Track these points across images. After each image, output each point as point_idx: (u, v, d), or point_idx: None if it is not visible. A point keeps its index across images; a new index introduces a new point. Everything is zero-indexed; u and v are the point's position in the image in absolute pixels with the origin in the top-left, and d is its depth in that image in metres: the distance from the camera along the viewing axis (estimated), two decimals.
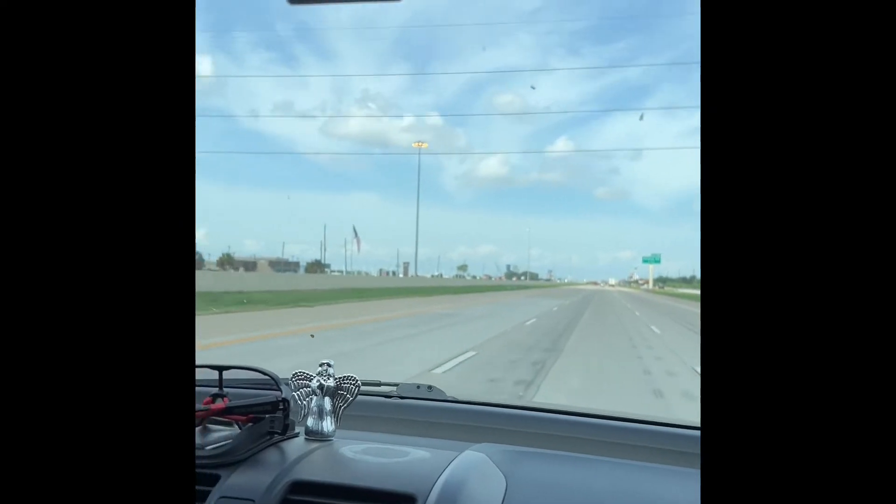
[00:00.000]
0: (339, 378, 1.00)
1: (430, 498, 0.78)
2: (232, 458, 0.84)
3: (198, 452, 0.84)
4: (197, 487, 0.81)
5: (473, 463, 0.89)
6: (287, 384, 0.98)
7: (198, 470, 0.82)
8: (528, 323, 14.30)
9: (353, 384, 0.99)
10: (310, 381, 1.00)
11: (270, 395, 0.91)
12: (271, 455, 0.88)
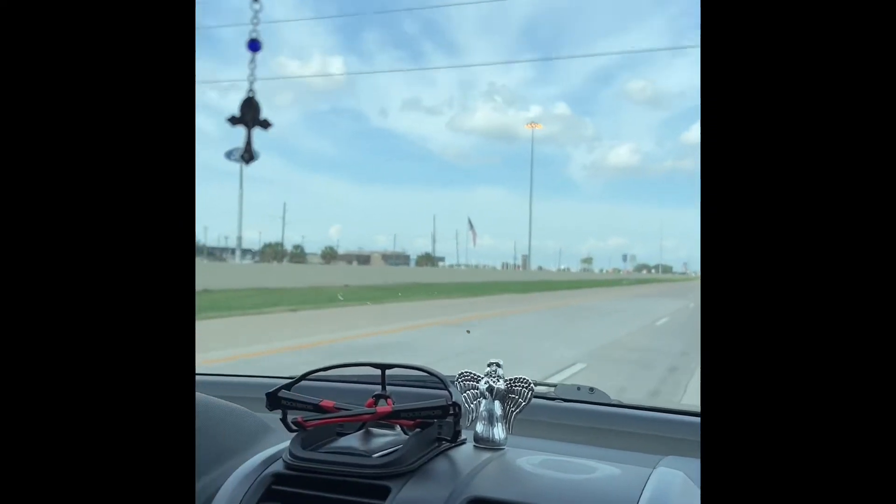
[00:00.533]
0: (510, 380, 0.89)
1: None
2: (401, 468, 0.75)
3: (364, 460, 0.76)
4: (365, 500, 0.73)
5: (673, 483, 0.76)
6: (454, 385, 0.89)
7: (366, 480, 0.74)
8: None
9: (526, 387, 0.89)
10: (478, 382, 0.90)
11: (438, 397, 0.82)
12: (442, 465, 0.79)
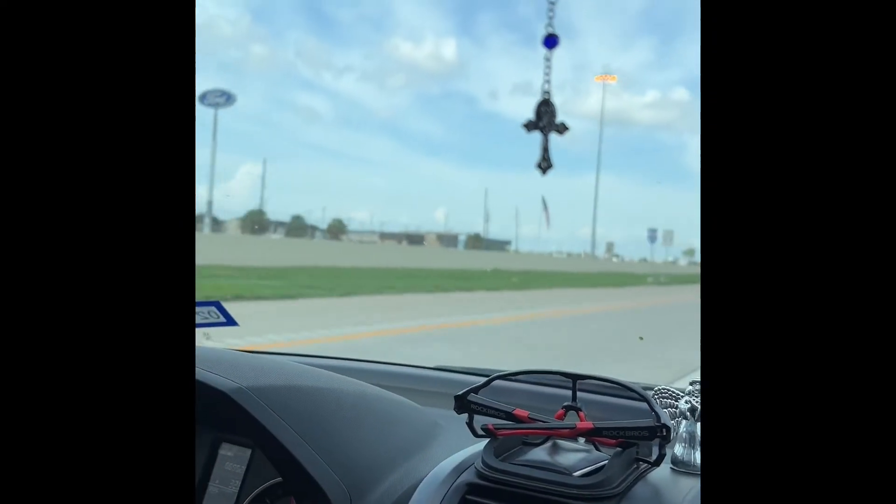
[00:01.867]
0: None
1: None
2: (605, 491, 0.70)
3: (565, 479, 0.72)
4: None
5: None
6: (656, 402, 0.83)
7: (567, 500, 0.70)
8: None
9: None
10: (676, 400, 0.84)
11: (634, 411, 0.76)
12: (645, 491, 0.73)
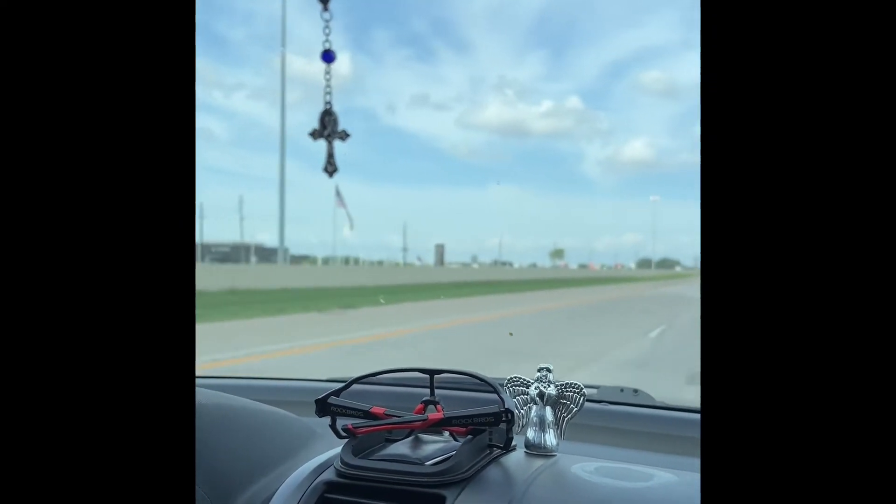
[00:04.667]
0: (561, 385, 0.88)
1: None
2: (456, 477, 0.74)
3: (417, 468, 0.75)
4: None
5: None
6: (503, 390, 0.88)
7: (420, 489, 0.74)
8: None
9: (577, 392, 0.87)
10: (528, 387, 0.89)
11: (489, 403, 0.81)
12: (496, 473, 0.78)
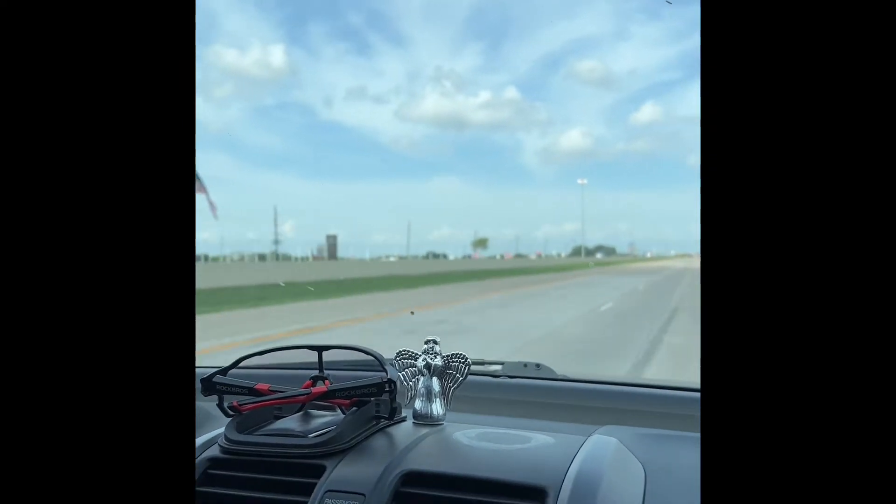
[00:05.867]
0: (447, 356, 0.90)
1: (563, 491, 0.67)
2: (337, 447, 0.76)
3: (300, 441, 0.76)
4: (300, 480, 0.73)
5: (606, 449, 0.78)
6: (392, 364, 0.90)
7: (301, 460, 0.75)
8: None
9: (463, 363, 0.89)
10: (415, 360, 0.91)
11: (375, 376, 0.82)
12: (379, 442, 0.80)
